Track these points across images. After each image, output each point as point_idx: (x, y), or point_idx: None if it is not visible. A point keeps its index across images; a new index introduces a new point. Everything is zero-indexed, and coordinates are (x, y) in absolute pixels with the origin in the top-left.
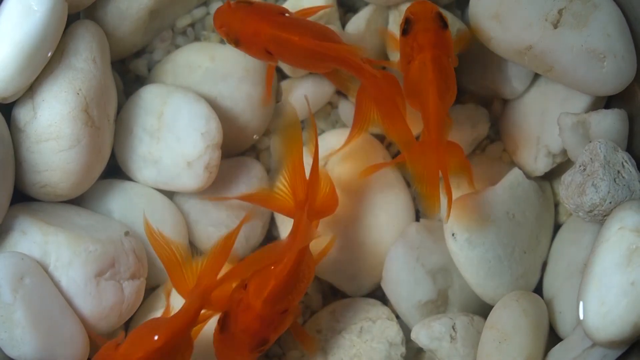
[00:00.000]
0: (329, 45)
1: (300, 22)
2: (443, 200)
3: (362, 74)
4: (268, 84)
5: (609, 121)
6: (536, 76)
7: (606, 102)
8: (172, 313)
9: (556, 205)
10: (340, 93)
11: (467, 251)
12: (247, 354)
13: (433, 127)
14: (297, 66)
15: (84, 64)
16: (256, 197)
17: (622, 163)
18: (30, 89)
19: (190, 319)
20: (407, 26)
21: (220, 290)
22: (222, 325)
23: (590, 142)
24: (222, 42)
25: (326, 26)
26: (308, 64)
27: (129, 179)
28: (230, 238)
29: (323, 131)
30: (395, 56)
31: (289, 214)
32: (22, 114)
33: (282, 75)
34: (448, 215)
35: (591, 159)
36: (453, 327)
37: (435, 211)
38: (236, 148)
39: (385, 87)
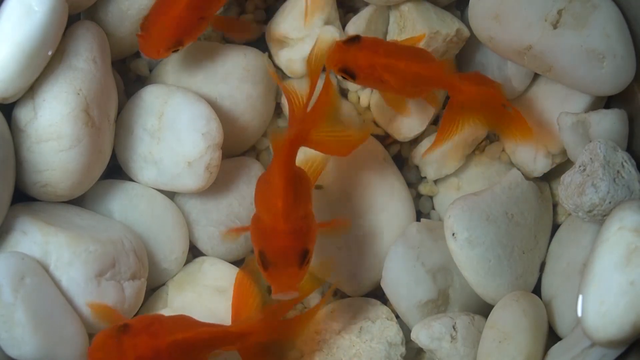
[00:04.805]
0: (427, 66)
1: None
2: None
3: (457, 90)
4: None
5: (608, 121)
6: (536, 76)
7: (606, 102)
8: None
9: (554, 205)
10: (340, 93)
11: (467, 251)
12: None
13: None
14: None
15: (85, 64)
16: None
17: (622, 163)
18: (31, 89)
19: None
20: None
21: None
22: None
23: (590, 142)
24: (222, 41)
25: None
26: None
27: (130, 179)
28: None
29: None
30: None
31: None
32: (23, 114)
33: (282, 76)
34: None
35: (591, 159)
36: (453, 327)
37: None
38: (237, 148)
39: (481, 94)
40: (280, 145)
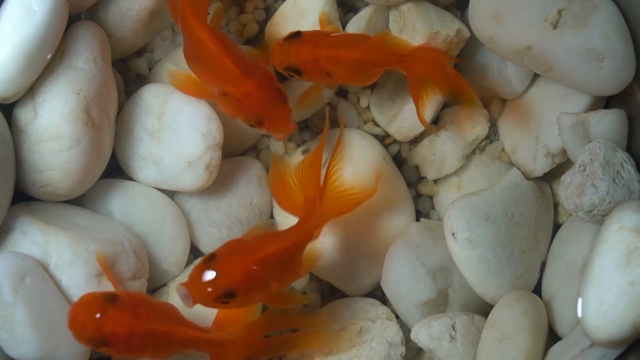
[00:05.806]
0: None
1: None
2: None
3: (406, 63)
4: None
5: (608, 121)
6: (535, 76)
7: (606, 102)
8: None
9: (555, 205)
10: (340, 94)
11: (467, 251)
12: (212, 300)
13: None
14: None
15: (85, 64)
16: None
17: (622, 163)
18: (31, 90)
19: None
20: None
21: None
22: (205, 258)
23: (589, 142)
24: None
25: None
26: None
27: (130, 179)
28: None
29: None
30: None
31: (295, 212)
32: (23, 114)
33: (281, 77)
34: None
35: (591, 159)
36: (453, 327)
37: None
38: (237, 148)
39: (430, 61)
40: (304, 226)
